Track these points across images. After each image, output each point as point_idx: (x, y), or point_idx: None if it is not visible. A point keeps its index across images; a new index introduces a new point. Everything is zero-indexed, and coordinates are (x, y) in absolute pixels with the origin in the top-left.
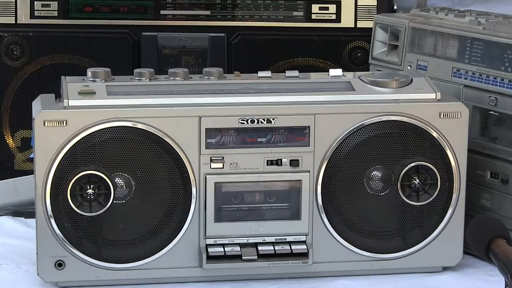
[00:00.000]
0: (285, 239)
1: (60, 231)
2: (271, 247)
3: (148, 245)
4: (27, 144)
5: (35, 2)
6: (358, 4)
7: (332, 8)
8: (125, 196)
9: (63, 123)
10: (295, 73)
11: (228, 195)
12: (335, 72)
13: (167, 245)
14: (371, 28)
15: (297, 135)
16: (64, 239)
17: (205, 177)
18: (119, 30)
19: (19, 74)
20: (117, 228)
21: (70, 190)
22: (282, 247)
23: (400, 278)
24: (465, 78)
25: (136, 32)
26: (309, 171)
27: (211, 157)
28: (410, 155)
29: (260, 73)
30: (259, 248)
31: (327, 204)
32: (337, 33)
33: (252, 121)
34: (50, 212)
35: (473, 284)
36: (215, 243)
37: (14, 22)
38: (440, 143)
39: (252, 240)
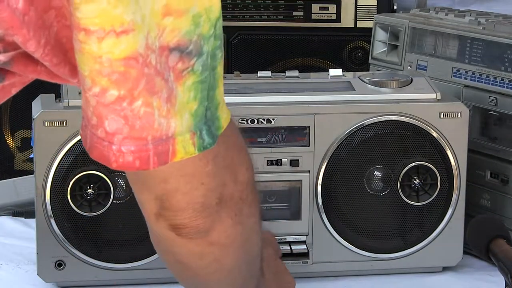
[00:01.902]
0: (285, 239)
1: (60, 231)
2: None
3: (148, 245)
4: (27, 144)
5: None
6: (358, 4)
7: (332, 8)
8: (125, 196)
9: (63, 123)
10: (295, 73)
11: None
12: (335, 72)
13: None
14: (371, 28)
15: (297, 135)
16: (64, 239)
17: None
18: None
19: None
20: (117, 228)
21: (70, 190)
22: (282, 247)
23: (400, 278)
24: (465, 78)
25: None
26: (309, 171)
27: None
28: (410, 155)
29: (260, 73)
30: None
31: (327, 204)
32: (337, 33)
33: (252, 121)
34: (50, 212)
35: (473, 284)
36: None
37: None
38: (440, 143)
39: None
